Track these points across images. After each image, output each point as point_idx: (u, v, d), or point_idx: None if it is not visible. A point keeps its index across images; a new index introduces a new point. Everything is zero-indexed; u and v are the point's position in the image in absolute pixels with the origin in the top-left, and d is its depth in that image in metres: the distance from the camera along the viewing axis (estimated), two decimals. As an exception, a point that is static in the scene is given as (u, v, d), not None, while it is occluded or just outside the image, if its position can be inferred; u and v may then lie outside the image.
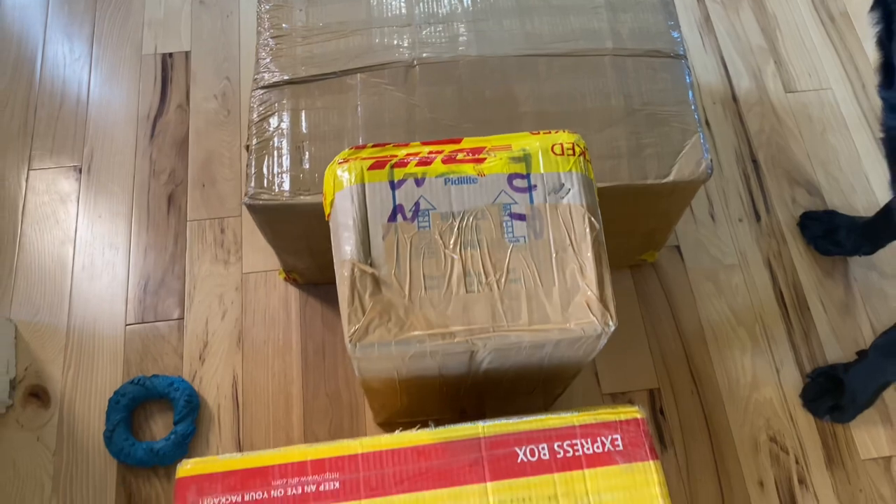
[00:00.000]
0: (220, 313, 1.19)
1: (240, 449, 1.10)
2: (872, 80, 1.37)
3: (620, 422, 0.78)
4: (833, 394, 1.11)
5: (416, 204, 0.75)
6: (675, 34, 1.03)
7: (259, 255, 1.23)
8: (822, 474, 1.09)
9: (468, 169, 0.76)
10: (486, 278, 0.73)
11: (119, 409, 1.08)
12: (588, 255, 0.74)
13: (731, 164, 1.33)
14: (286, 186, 0.94)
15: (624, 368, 1.16)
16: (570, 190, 0.76)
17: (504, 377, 0.85)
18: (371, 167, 0.75)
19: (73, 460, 1.08)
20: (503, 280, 0.73)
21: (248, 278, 1.22)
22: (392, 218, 0.74)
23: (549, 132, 0.79)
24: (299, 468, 0.75)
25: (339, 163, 0.76)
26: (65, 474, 1.08)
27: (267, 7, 1.05)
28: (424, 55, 1.00)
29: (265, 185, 0.94)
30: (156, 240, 1.25)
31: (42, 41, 1.44)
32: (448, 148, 0.78)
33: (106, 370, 1.15)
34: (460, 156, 0.77)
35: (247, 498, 0.74)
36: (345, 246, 0.73)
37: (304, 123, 0.97)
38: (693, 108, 0.99)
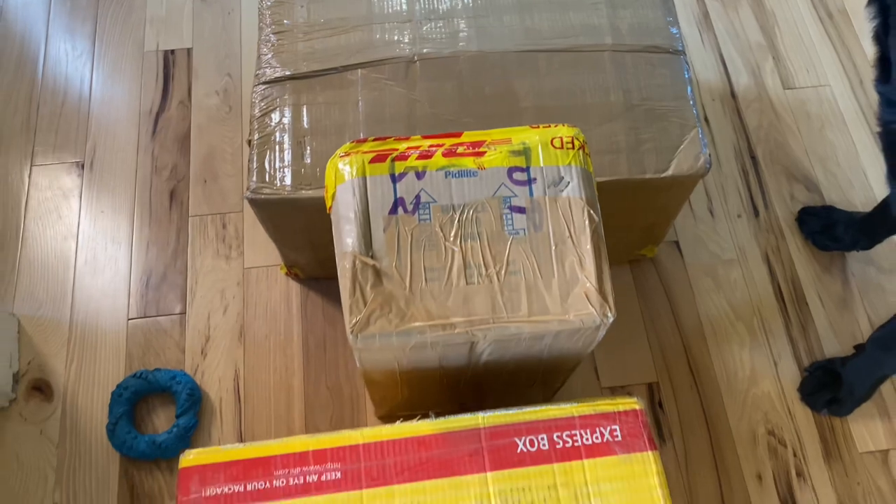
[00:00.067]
0: (222, 308, 1.20)
1: (241, 441, 1.10)
2: (870, 75, 1.37)
3: (619, 413, 0.78)
4: (831, 387, 1.12)
5: (417, 197, 0.76)
6: (674, 30, 1.04)
7: (260, 250, 1.24)
8: (819, 467, 1.10)
9: (468, 162, 0.77)
10: (486, 270, 0.74)
11: (122, 403, 1.09)
12: (587, 247, 0.75)
13: (730, 160, 1.34)
14: (288, 181, 0.95)
15: (623, 363, 1.17)
16: (569, 183, 0.77)
17: (504, 369, 0.86)
18: (372, 160, 0.76)
19: (76, 453, 1.09)
20: (503, 272, 0.74)
21: (250, 273, 1.23)
22: (393, 210, 0.75)
23: (549, 126, 0.79)
24: (301, 458, 0.75)
25: (341, 156, 0.77)
26: (68, 467, 1.08)
27: (268, 3, 1.06)
28: (425, 51, 1.01)
29: (267, 179, 0.95)
30: (158, 235, 1.26)
31: (45, 38, 1.45)
32: (448, 142, 0.79)
33: (108, 364, 1.15)
34: (460, 149, 0.78)
35: (249, 488, 0.74)
36: (346, 238, 0.74)
37: (305, 118, 0.98)
38: (691, 103, 1.00)
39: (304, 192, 0.95)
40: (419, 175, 0.76)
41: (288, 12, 1.05)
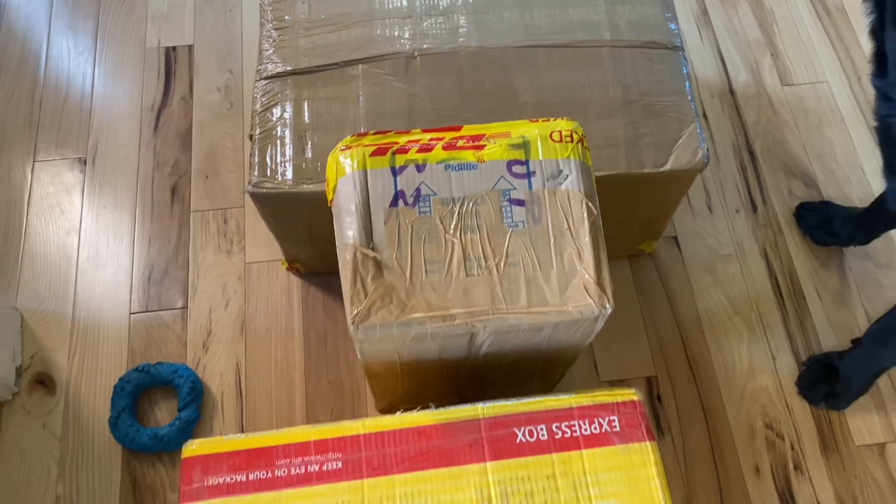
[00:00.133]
0: (224, 302, 1.20)
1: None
2: (868, 72, 1.38)
3: (617, 404, 0.79)
4: (828, 381, 1.13)
5: (417, 189, 0.76)
6: (673, 26, 1.05)
7: (262, 245, 1.25)
8: (817, 460, 1.11)
9: (468, 155, 0.78)
10: (486, 262, 0.75)
11: (124, 396, 1.10)
12: (585, 239, 0.75)
13: (729, 156, 1.34)
14: (289, 175, 0.96)
15: (622, 357, 1.18)
16: (568, 176, 0.77)
17: (503, 361, 0.87)
18: (373, 154, 0.77)
19: (79, 446, 1.10)
20: (502, 264, 0.75)
21: (251, 268, 1.23)
22: (393, 203, 0.76)
23: (548, 120, 0.80)
24: (302, 448, 0.76)
25: (342, 149, 0.78)
26: (71, 459, 1.09)
27: (270, 0, 1.06)
28: (425, 46, 1.02)
29: (268, 173, 0.96)
30: (160, 230, 1.27)
31: (47, 36, 1.46)
32: (448, 135, 0.79)
33: (111, 358, 1.16)
34: (460, 143, 0.78)
35: (251, 477, 0.75)
36: (347, 230, 0.75)
37: (306, 113, 0.99)
38: (690, 98, 1.01)
39: (305, 186, 0.95)
40: (419, 168, 0.77)
41: (289, 8, 1.05)
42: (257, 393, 1.14)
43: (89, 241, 1.26)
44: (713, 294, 1.23)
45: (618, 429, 0.78)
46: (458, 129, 0.80)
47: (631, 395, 0.80)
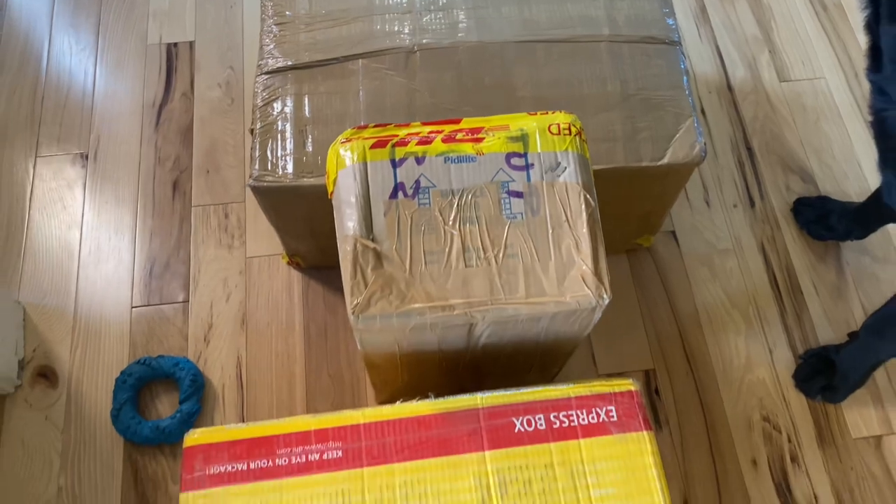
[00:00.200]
0: (225, 296, 1.21)
1: (244, 427, 1.12)
2: (864, 67, 1.39)
3: (615, 394, 0.80)
4: (825, 374, 1.14)
5: (417, 182, 0.77)
6: (670, 21, 1.06)
7: (262, 239, 1.26)
8: (814, 453, 1.12)
9: (467, 148, 0.79)
10: (485, 253, 0.76)
11: (126, 389, 1.11)
12: (583, 230, 0.76)
13: (726, 151, 1.35)
14: (290, 169, 0.97)
15: (620, 350, 1.19)
16: (566, 168, 0.78)
17: (502, 353, 0.87)
18: (373, 146, 0.78)
19: (81, 438, 1.11)
20: (501, 255, 0.76)
21: (252, 262, 1.24)
22: (393, 195, 0.77)
23: (546, 113, 0.81)
24: (303, 437, 0.77)
25: (342, 142, 0.78)
26: (73, 452, 1.10)
27: (271, -5, 1.07)
28: (425, 41, 1.03)
29: (269, 167, 0.97)
30: (161, 225, 1.27)
31: (48, 33, 1.46)
32: (448, 128, 0.80)
33: (112, 351, 1.17)
34: (459, 135, 0.79)
35: (252, 466, 0.76)
36: (347, 222, 0.76)
37: (307, 108, 1.00)
38: (687, 93, 1.01)
39: (305, 179, 0.96)
40: (419, 160, 0.78)
41: (290, 4, 1.06)
42: (258, 386, 1.15)
43: (91, 236, 1.27)
44: (711, 288, 1.24)
45: (615, 419, 0.79)
46: (458, 122, 0.81)
47: (628, 385, 0.81)
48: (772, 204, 1.30)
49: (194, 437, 0.77)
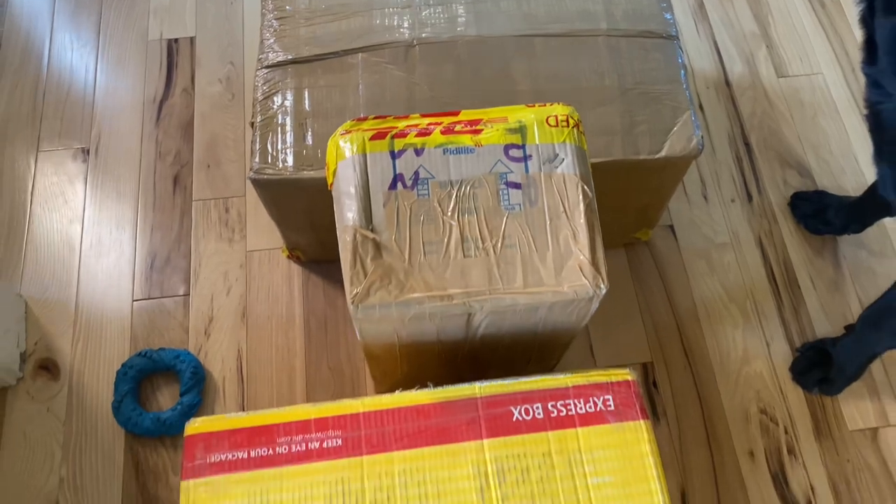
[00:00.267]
0: (225, 290, 1.22)
1: (244, 419, 1.13)
2: (859, 60, 1.40)
3: (612, 383, 0.80)
4: (822, 367, 1.14)
5: (416, 173, 0.78)
6: (668, 16, 1.06)
7: (263, 233, 1.26)
8: (810, 445, 1.13)
9: (466, 140, 0.79)
10: (483, 244, 0.76)
11: (127, 381, 1.11)
12: (581, 221, 0.77)
13: (724, 146, 1.36)
14: (290, 162, 0.97)
15: (618, 343, 1.19)
16: (563, 160, 0.79)
17: (500, 344, 0.88)
18: (372, 138, 0.78)
19: (83, 430, 1.12)
20: (499, 245, 0.76)
21: (252, 256, 1.25)
22: (392, 186, 0.77)
23: (544, 105, 0.82)
24: (303, 426, 0.78)
25: (342, 134, 0.79)
26: (74, 443, 1.11)
27: (271, -11, 1.08)
28: (424, 35, 1.03)
29: (269, 160, 0.97)
30: (162, 219, 1.28)
31: (49, 29, 1.47)
32: (446, 120, 0.81)
33: (114, 344, 1.18)
34: (458, 127, 0.80)
35: (252, 454, 0.77)
36: (347, 213, 0.76)
37: (307, 101, 1.00)
38: (684, 87, 1.02)
39: (305, 172, 0.97)
40: (418, 152, 0.78)
41: (290, -2, 1.07)
42: (258, 378, 1.16)
43: (92, 230, 1.27)
44: (709, 282, 1.24)
45: (612, 408, 0.79)
46: (456, 113, 0.82)
47: (625, 374, 0.81)
48: (769, 199, 1.31)
49: (195, 426, 0.78)
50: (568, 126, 0.80)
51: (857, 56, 1.42)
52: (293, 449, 0.77)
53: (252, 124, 1.00)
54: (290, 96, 1.01)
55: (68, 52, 1.45)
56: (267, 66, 1.03)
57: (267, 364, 1.17)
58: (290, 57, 1.03)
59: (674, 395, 1.16)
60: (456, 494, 0.74)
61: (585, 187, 0.78)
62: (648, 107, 1.00)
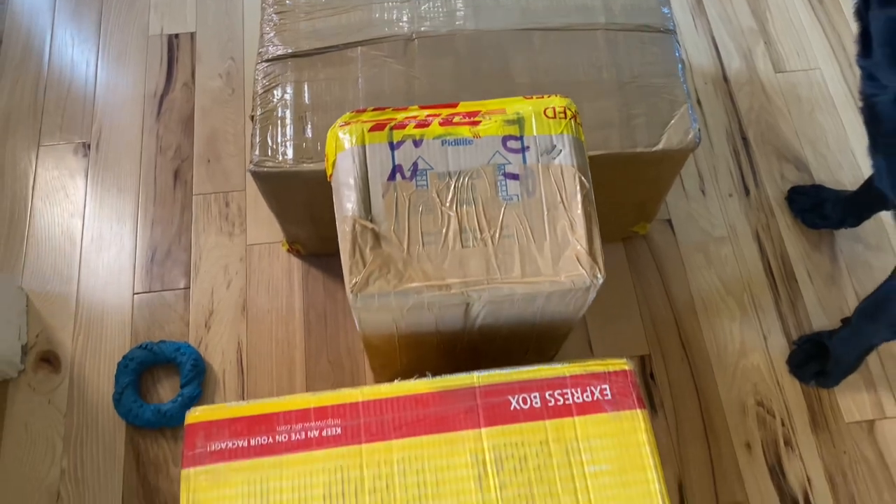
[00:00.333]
0: (226, 283, 1.23)
1: (244, 412, 1.13)
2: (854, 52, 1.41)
3: (609, 373, 0.81)
4: (818, 360, 1.15)
5: (415, 164, 0.79)
6: (665, 10, 1.07)
7: (263, 227, 1.27)
8: (807, 437, 1.13)
9: (464, 131, 0.80)
10: (481, 234, 0.77)
11: (127, 373, 1.12)
12: (578, 212, 0.78)
13: (722, 141, 1.37)
14: (289, 155, 0.98)
15: (616, 336, 1.20)
16: (561, 151, 0.80)
17: (498, 334, 0.89)
18: (371, 129, 0.79)
19: (84, 422, 1.12)
20: (497, 236, 0.77)
21: (252, 249, 1.26)
22: (391, 177, 0.78)
23: (542, 97, 0.82)
24: (303, 415, 0.78)
25: (341, 125, 0.80)
26: (75, 435, 1.11)
27: (271, -16, 1.08)
28: (423, 29, 1.04)
29: (269, 153, 0.98)
30: (162, 213, 1.29)
31: (51, 24, 1.48)
32: (445, 111, 0.82)
33: (114, 336, 1.18)
34: (457, 119, 0.81)
35: (252, 443, 0.77)
36: (346, 203, 0.77)
37: (306, 95, 1.01)
38: (682, 80, 1.03)
39: (305, 165, 0.97)
40: (417, 143, 0.79)
41: (290, -8, 1.08)
42: (258, 371, 1.16)
43: (93, 224, 1.28)
44: (706, 275, 1.25)
45: (609, 397, 0.80)
46: (455, 105, 0.83)
47: (622, 364, 0.82)
48: (766, 193, 1.32)
49: (196, 415, 0.79)
50: (565, 117, 0.81)
51: (853, 51, 1.42)
52: (293, 437, 0.77)
53: (252, 117, 1.01)
54: (289, 90, 1.01)
55: (69, 48, 1.46)
56: (267, 60, 1.04)
57: (267, 357, 1.17)
58: (289, 51, 1.03)
59: (671, 388, 1.16)
60: (454, 482, 0.75)
61: (583, 178, 0.79)
62: (646, 100, 1.01)
